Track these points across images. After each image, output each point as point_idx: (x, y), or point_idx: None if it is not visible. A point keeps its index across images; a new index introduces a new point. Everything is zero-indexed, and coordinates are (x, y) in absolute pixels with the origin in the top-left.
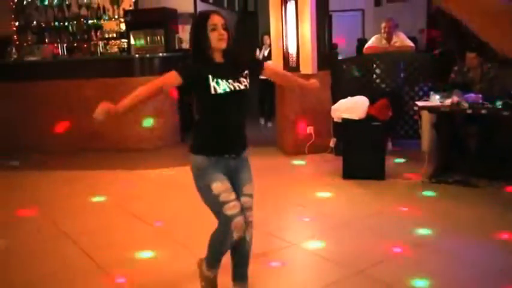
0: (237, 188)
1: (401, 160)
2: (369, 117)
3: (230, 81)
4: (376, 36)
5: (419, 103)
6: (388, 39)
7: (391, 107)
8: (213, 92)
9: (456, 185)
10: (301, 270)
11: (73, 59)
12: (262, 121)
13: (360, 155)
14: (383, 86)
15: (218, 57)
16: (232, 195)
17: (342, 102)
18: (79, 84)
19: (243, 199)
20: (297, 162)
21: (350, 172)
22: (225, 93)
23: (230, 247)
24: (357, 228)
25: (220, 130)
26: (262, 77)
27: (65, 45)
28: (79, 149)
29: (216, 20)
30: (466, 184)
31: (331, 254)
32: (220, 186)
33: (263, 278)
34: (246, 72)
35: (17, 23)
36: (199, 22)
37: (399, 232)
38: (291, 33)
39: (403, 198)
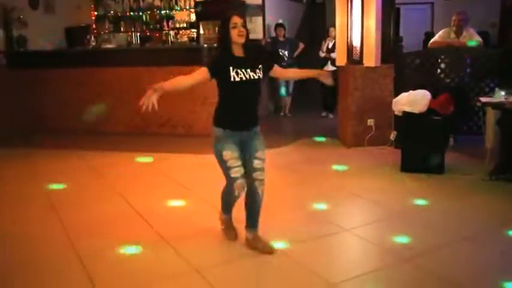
0: (250, 153)
1: (462, 155)
2: (430, 111)
3: (248, 70)
4: (444, 30)
5: (483, 99)
6: (458, 33)
7: (453, 102)
8: (232, 79)
9: None
10: (352, 254)
11: (146, 47)
12: (324, 114)
13: (419, 149)
14: (447, 80)
15: (238, 51)
16: (238, 162)
17: (404, 95)
18: (151, 72)
19: (255, 161)
20: (357, 153)
21: (408, 165)
22: (241, 81)
23: (235, 201)
24: (409, 219)
25: (236, 110)
26: (271, 75)
27: (138, 34)
28: (150, 134)
29: (236, 19)
30: None
31: (381, 241)
32: (229, 154)
33: (315, 258)
34: (260, 65)
35: (95, 13)
36: (224, 21)
37: (452, 227)
38: (355, 26)
39: (460, 193)
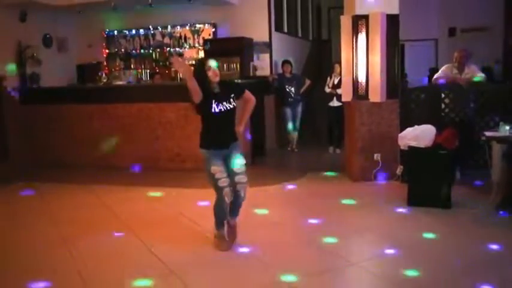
0: (231, 161)
1: (469, 189)
2: (436, 146)
3: (224, 103)
4: (446, 65)
5: (488, 133)
6: (460, 69)
7: (459, 137)
8: (213, 110)
9: None
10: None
11: (155, 84)
12: (331, 149)
13: (426, 183)
14: (452, 115)
15: (215, 88)
16: (224, 174)
17: (409, 130)
18: (160, 107)
19: (236, 167)
20: (364, 188)
21: (415, 200)
22: (220, 111)
23: (226, 211)
24: (416, 254)
25: (217, 134)
26: (243, 99)
27: (148, 71)
28: (159, 169)
29: (210, 63)
30: None
31: (389, 275)
32: (216, 168)
33: None
34: (233, 95)
35: (107, 51)
36: (199, 65)
37: (460, 261)
38: (361, 62)
39: (468, 227)
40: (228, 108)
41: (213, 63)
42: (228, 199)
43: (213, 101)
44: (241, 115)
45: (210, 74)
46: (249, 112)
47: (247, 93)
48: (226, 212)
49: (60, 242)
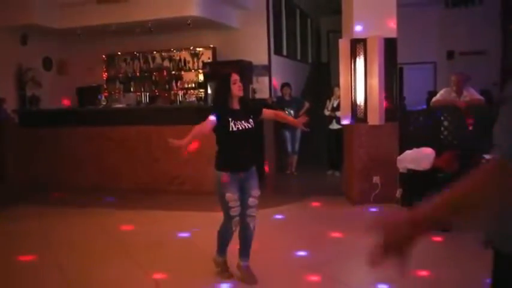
0: (247, 191)
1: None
2: (435, 169)
3: (243, 122)
4: (445, 89)
5: (487, 156)
6: (458, 93)
7: (458, 159)
8: (230, 129)
9: None
10: None
11: (155, 106)
12: (330, 172)
13: None
14: (450, 138)
15: (235, 104)
16: (238, 203)
17: (408, 153)
18: (160, 130)
19: (250, 199)
20: (363, 211)
21: None
22: (238, 131)
23: (231, 237)
24: (419, 279)
25: (234, 155)
26: (263, 118)
27: (147, 94)
28: (159, 191)
29: (236, 76)
30: None
31: None
32: (231, 196)
33: None
34: (252, 115)
35: (106, 74)
36: (225, 78)
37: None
38: (359, 85)
39: (467, 251)
40: (246, 127)
41: (238, 77)
42: (235, 228)
43: (231, 120)
44: (286, 118)
45: (235, 87)
46: (284, 119)
47: (268, 110)
48: (230, 238)
49: (54, 265)
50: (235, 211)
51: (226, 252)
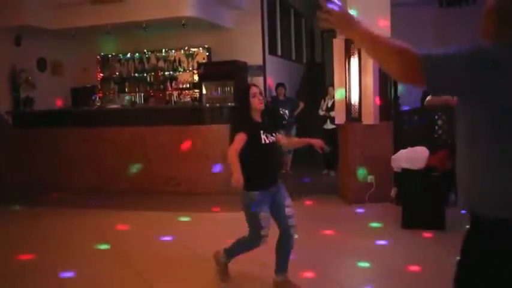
0: (280, 203)
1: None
2: (429, 168)
3: (269, 135)
4: None
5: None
6: None
7: (452, 158)
8: (263, 142)
9: None
10: None
11: (150, 107)
12: (325, 172)
13: (419, 205)
14: (444, 137)
15: (257, 117)
16: (269, 223)
17: (403, 152)
18: (154, 131)
19: (287, 209)
20: (358, 210)
21: (409, 222)
22: (268, 144)
23: (247, 251)
24: (409, 277)
25: (266, 171)
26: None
27: (142, 94)
28: (155, 192)
29: (255, 89)
30: None
31: None
32: (264, 215)
33: None
34: (276, 128)
35: (101, 74)
36: (244, 91)
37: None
38: (354, 84)
39: (458, 248)
40: (272, 140)
41: (257, 90)
42: (261, 245)
43: (262, 132)
44: (303, 140)
45: (254, 101)
46: (299, 142)
47: (279, 136)
48: (247, 251)
49: (48, 266)
50: (266, 231)
51: (232, 259)
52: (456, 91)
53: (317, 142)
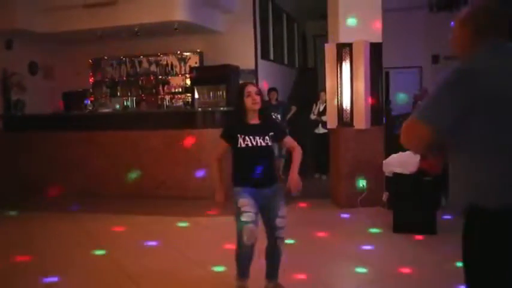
0: (272, 211)
1: (453, 215)
2: (420, 172)
3: (256, 137)
4: None
5: None
6: None
7: (444, 162)
8: (239, 145)
9: None
10: None
11: (142, 111)
12: (317, 176)
13: (410, 209)
14: None
15: (253, 118)
16: (251, 209)
17: (394, 156)
18: (146, 135)
19: (278, 220)
20: (349, 215)
21: (401, 226)
22: (247, 147)
23: (248, 256)
24: (401, 280)
25: (246, 171)
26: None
27: (134, 98)
28: (146, 196)
29: (250, 88)
30: None
31: None
32: (243, 201)
33: None
34: (271, 133)
35: (93, 78)
36: (239, 90)
37: (444, 281)
38: (345, 89)
39: (454, 253)
40: (259, 144)
41: (253, 88)
42: (247, 239)
43: (240, 136)
44: (291, 165)
45: (248, 100)
46: (297, 163)
47: (289, 140)
48: (250, 257)
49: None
50: (247, 217)
51: (247, 276)
52: (457, 122)
53: (292, 183)
